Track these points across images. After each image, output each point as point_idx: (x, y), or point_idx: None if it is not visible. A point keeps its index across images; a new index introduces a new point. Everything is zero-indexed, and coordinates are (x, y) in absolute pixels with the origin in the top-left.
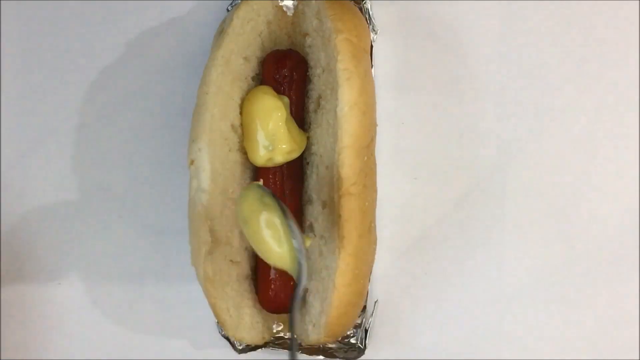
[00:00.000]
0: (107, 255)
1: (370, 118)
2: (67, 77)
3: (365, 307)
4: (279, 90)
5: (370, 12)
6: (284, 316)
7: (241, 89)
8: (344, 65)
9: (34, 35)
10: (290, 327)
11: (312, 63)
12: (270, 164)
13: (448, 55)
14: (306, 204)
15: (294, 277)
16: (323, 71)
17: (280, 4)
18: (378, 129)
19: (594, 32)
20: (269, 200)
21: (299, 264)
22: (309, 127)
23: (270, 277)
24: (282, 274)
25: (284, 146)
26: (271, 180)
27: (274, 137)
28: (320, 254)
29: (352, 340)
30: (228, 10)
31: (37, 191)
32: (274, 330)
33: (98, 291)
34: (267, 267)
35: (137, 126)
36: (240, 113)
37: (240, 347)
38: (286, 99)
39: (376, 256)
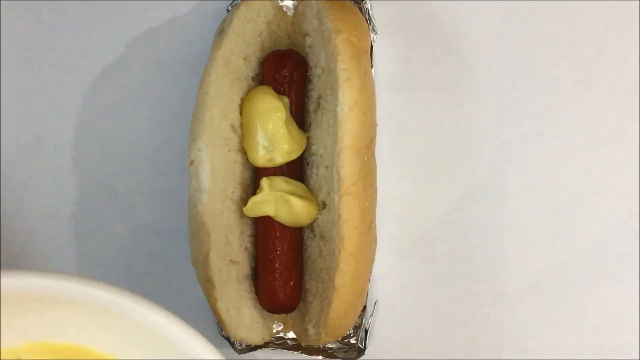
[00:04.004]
0: (107, 255)
1: (370, 118)
2: (67, 77)
3: (365, 307)
4: (278, 91)
5: (370, 12)
6: (284, 316)
7: (241, 89)
8: (344, 66)
9: (34, 35)
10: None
11: (312, 63)
12: (270, 164)
13: (448, 55)
14: None
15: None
16: (323, 71)
17: (280, 4)
18: (378, 129)
19: (594, 32)
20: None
21: None
22: (309, 128)
23: (270, 277)
24: (282, 274)
25: (284, 146)
26: None
27: (273, 137)
28: (320, 254)
29: (352, 341)
30: (228, 10)
31: (37, 191)
32: (274, 331)
33: None
34: (267, 267)
35: (137, 126)
36: (240, 113)
37: (240, 347)
38: (286, 99)
39: (376, 256)
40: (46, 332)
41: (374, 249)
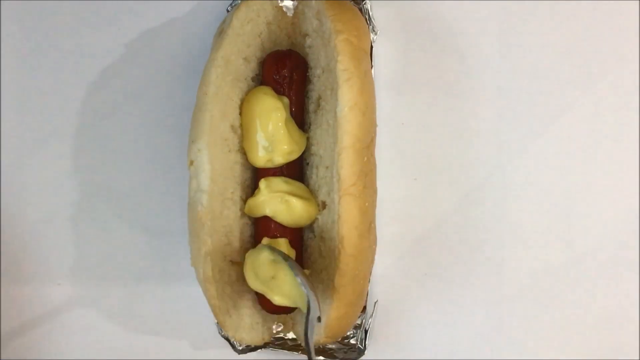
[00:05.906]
0: (107, 256)
1: (370, 118)
2: (67, 77)
3: (365, 307)
4: (278, 91)
5: (370, 13)
6: (284, 317)
7: (241, 90)
8: (344, 66)
9: (34, 35)
10: (308, 353)
11: (312, 63)
12: (270, 165)
13: (448, 55)
14: None
15: (304, 308)
16: (323, 72)
17: (280, 5)
18: (378, 129)
19: (594, 32)
20: (279, 259)
21: (307, 298)
22: (309, 128)
23: None
24: None
25: (284, 147)
26: None
27: (273, 137)
28: (320, 255)
29: (352, 341)
30: (228, 10)
31: (37, 191)
32: (274, 331)
33: (98, 291)
34: None
35: (137, 126)
36: (240, 114)
37: (240, 348)
38: (286, 100)
39: (376, 256)
40: None
41: (374, 250)
